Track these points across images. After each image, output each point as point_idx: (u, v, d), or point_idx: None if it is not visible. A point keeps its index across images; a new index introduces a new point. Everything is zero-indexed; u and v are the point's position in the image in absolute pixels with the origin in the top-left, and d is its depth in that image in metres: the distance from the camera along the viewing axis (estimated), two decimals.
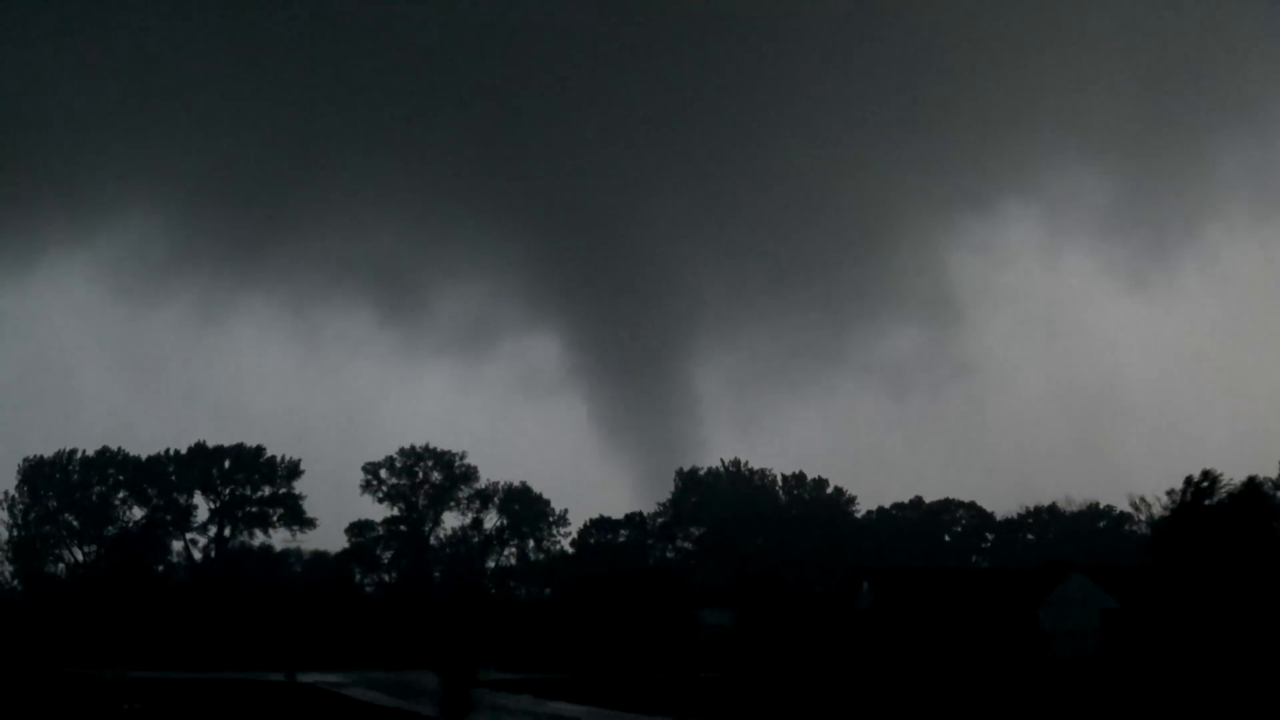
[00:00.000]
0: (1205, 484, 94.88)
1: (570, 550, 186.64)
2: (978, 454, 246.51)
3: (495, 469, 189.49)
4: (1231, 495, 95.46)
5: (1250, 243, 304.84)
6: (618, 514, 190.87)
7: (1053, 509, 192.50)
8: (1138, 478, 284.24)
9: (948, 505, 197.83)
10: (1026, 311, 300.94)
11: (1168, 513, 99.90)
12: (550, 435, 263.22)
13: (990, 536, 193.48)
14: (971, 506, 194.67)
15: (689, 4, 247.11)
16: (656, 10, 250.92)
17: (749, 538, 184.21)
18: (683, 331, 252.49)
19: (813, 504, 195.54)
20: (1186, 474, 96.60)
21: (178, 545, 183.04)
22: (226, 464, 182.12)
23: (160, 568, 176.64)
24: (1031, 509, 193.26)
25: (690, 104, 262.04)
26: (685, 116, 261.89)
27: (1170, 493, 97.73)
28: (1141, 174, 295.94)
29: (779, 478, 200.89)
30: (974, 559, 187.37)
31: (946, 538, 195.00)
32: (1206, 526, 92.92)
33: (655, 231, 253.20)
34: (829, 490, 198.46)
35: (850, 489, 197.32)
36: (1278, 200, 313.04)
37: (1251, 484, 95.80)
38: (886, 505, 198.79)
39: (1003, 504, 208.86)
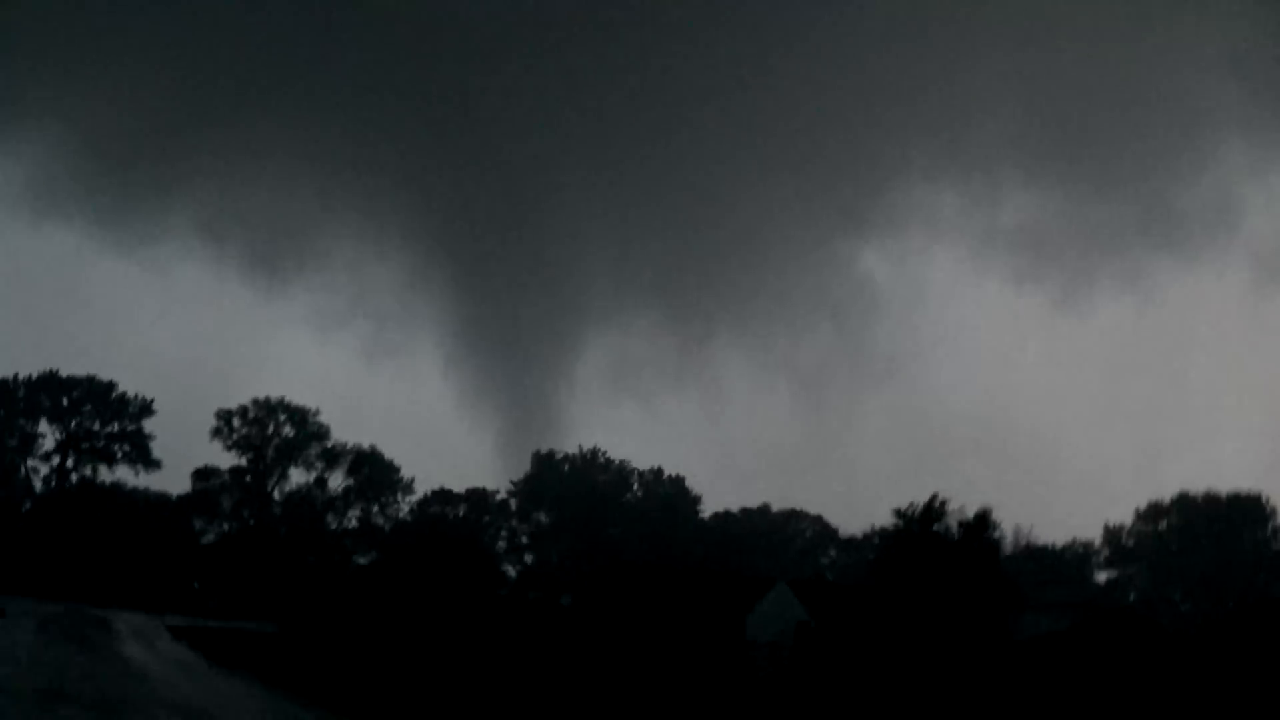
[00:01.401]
0: (936, 508, 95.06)
1: (407, 519, 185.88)
2: (854, 466, 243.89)
3: (351, 431, 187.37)
4: (962, 523, 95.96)
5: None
6: (469, 486, 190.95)
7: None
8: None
9: (794, 515, 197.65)
10: (930, 321, 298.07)
11: (894, 532, 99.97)
12: (413, 403, 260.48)
13: (833, 553, 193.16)
14: (817, 520, 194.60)
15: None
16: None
17: (594, 526, 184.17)
18: (566, 315, 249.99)
19: (665, 501, 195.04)
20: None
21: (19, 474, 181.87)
22: (76, 394, 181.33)
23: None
24: (876, 529, 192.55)
25: (609, 92, 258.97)
26: (602, 102, 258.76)
27: (900, 513, 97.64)
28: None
29: (635, 471, 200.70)
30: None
31: (795, 549, 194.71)
32: (930, 550, 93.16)
33: (552, 209, 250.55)
34: (685, 489, 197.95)
35: (710, 490, 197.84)
36: None
37: (982, 516, 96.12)
38: (734, 509, 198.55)
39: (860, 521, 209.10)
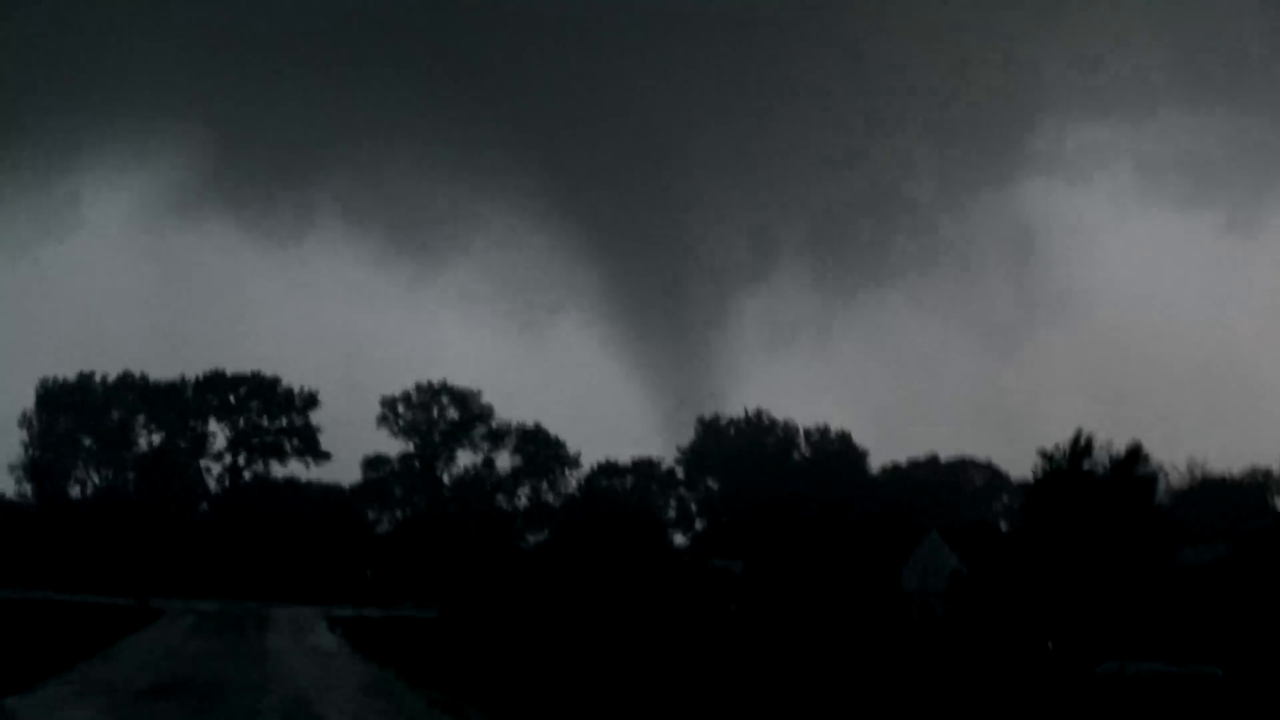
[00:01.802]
0: (1082, 447, 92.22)
1: (577, 495, 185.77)
2: (1027, 409, 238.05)
3: (512, 410, 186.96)
4: (1113, 459, 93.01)
5: None
6: (634, 457, 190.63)
7: None
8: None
9: (964, 464, 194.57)
10: (1097, 254, 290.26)
11: (1042, 475, 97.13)
12: (570, 379, 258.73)
13: (1006, 498, 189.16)
14: (987, 467, 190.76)
15: None
16: None
17: (763, 488, 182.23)
18: (719, 278, 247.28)
19: (834, 458, 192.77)
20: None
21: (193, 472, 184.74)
22: (243, 391, 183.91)
23: (174, 494, 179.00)
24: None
25: (742, 58, 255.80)
26: (737, 68, 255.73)
27: (1045, 454, 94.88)
28: None
29: (800, 430, 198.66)
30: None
31: (964, 499, 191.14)
32: (1079, 489, 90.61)
33: (696, 169, 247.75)
34: (852, 444, 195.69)
35: (881, 442, 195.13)
36: None
37: (1133, 450, 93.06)
38: (902, 461, 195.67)
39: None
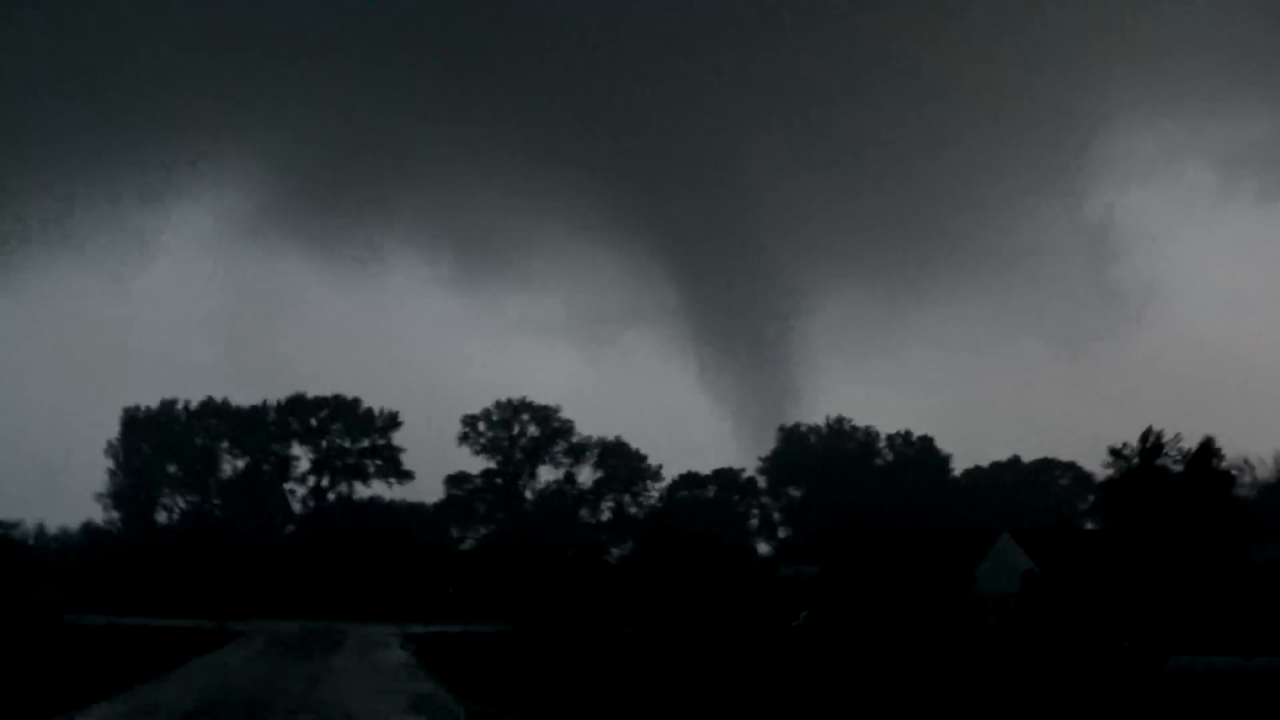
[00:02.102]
0: (1152, 444, 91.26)
1: (658, 505, 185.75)
2: (1110, 408, 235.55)
3: (590, 425, 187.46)
4: (1185, 456, 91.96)
5: None
6: (712, 468, 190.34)
7: None
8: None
9: (1046, 464, 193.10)
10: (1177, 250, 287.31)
11: (1115, 473, 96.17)
12: (646, 385, 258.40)
13: (1091, 498, 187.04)
14: (1071, 467, 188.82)
15: None
16: None
17: (845, 495, 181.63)
18: (789, 278, 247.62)
19: (915, 463, 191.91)
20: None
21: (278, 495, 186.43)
22: (325, 414, 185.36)
23: (259, 517, 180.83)
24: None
25: (802, 57, 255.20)
26: (789, 52, 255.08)
27: (1116, 451, 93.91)
28: None
29: (882, 435, 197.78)
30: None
31: (1050, 501, 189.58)
32: (1152, 486, 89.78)
33: (763, 171, 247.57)
34: (934, 449, 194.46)
35: (963, 444, 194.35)
36: None
37: (1206, 446, 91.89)
38: (985, 464, 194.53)
39: None
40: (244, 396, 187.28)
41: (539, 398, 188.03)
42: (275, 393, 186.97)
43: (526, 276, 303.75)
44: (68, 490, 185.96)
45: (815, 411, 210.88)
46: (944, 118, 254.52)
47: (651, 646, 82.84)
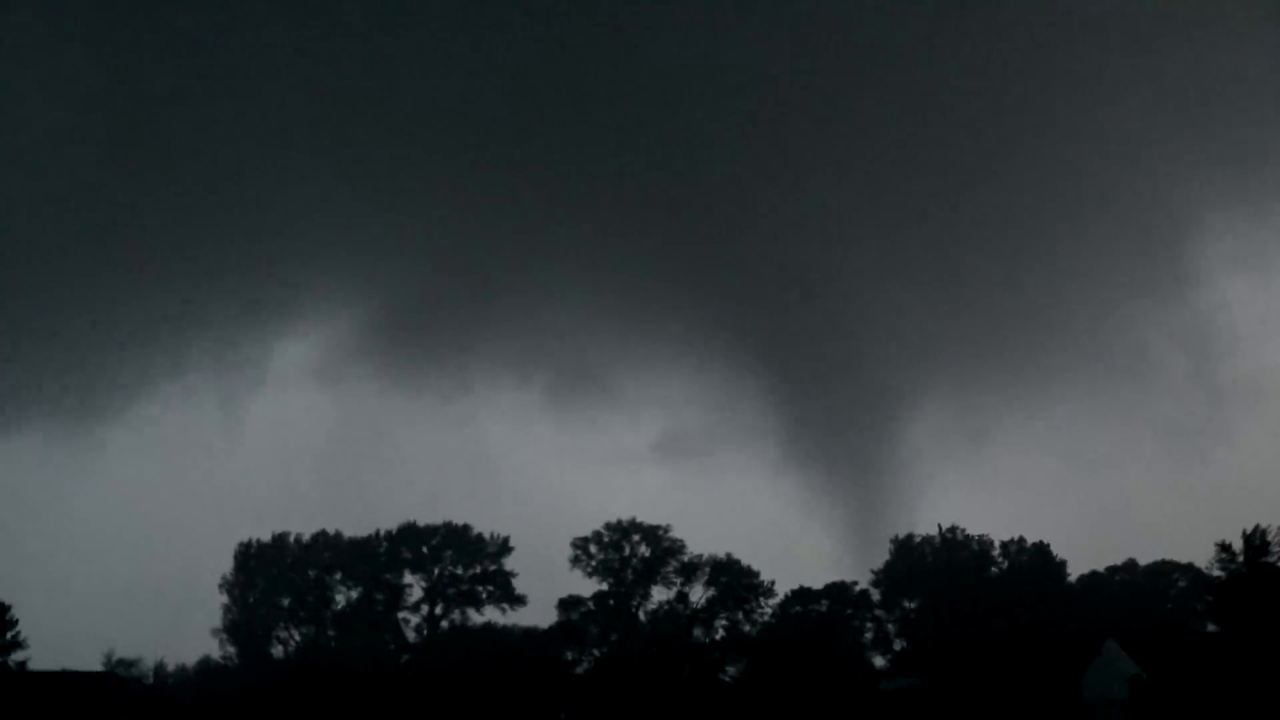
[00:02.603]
0: (1259, 542, 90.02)
1: (772, 622, 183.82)
2: (1227, 504, 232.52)
3: (697, 544, 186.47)
4: None
5: None
6: (819, 582, 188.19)
7: None
8: None
9: (1164, 567, 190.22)
10: None
11: (1222, 573, 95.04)
12: (747, 498, 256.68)
13: (1210, 599, 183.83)
14: (1189, 568, 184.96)
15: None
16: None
17: (960, 606, 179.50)
18: (892, 386, 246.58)
19: (1030, 570, 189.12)
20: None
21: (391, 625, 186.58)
22: (436, 542, 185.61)
23: (373, 648, 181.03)
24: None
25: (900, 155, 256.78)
26: (884, 164, 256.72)
27: (1224, 547, 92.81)
28: None
29: (995, 543, 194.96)
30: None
31: (1168, 604, 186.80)
32: (1262, 584, 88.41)
33: (863, 282, 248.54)
34: (1049, 555, 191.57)
35: (1078, 548, 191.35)
36: None
37: None
38: (1100, 568, 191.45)
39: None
40: (353, 528, 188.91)
41: (643, 518, 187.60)
42: (382, 524, 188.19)
43: (618, 397, 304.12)
44: (187, 626, 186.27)
45: (927, 521, 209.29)
46: (1036, 226, 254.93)
47: None
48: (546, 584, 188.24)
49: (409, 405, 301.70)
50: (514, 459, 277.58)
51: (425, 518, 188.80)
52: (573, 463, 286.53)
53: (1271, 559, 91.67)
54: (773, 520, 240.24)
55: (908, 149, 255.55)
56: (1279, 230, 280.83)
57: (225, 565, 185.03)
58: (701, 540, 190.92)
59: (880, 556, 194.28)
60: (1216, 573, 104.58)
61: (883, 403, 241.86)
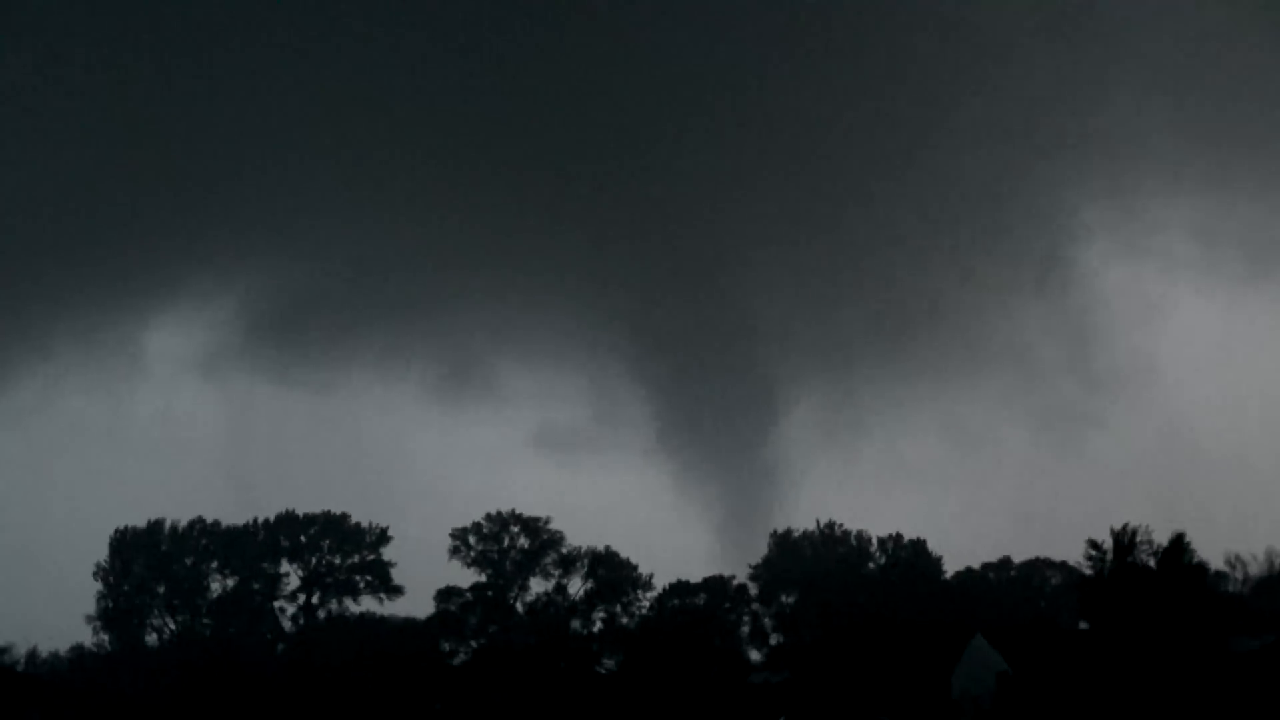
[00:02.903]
0: (1128, 540, 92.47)
1: (649, 615, 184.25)
2: (1102, 501, 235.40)
3: (574, 531, 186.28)
4: (1156, 551, 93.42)
5: None
6: (698, 576, 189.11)
7: None
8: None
9: (1037, 565, 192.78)
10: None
11: (1092, 571, 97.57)
12: (626, 492, 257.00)
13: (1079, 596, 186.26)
14: (1063, 567, 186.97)
15: None
16: None
17: (836, 601, 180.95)
18: (769, 379, 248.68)
19: (908, 566, 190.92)
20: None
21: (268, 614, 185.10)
22: (314, 531, 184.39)
23: (249, 636, 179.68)
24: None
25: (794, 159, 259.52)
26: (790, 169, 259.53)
27: (1093, 546, 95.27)
28: None
29: (874, 539, 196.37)
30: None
31: (1041, 601, 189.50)
32: (1126, 581, 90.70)
33: (749, 278, 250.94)
34: (925, 551, 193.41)
35: (948, 543, 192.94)
36: None
37: (1177, 541, 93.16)
38: (975, 565, 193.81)
39: None
40: (231, 518, 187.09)
41: (523, 510, 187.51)
42: (260, 513, 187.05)
43: (497, 388, 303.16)
44: (66, 614, 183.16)
45: (805, 515, 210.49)
46: (925, 224, 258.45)
47: None
48: (426, 575, 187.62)
49: (288, 397, 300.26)
50: (393, 451, 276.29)
51: (304, 508, 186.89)
52: (452, 455, 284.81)
53: (1139, 557, 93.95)
54: (651, 514, 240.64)
55: (799, 156, 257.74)
56: (1152, 225, 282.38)
57: (100, 553, 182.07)
58: (581, 533, 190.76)
59: (759, 551, 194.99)
60: (1087, 570, 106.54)
61: (762, 396, 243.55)
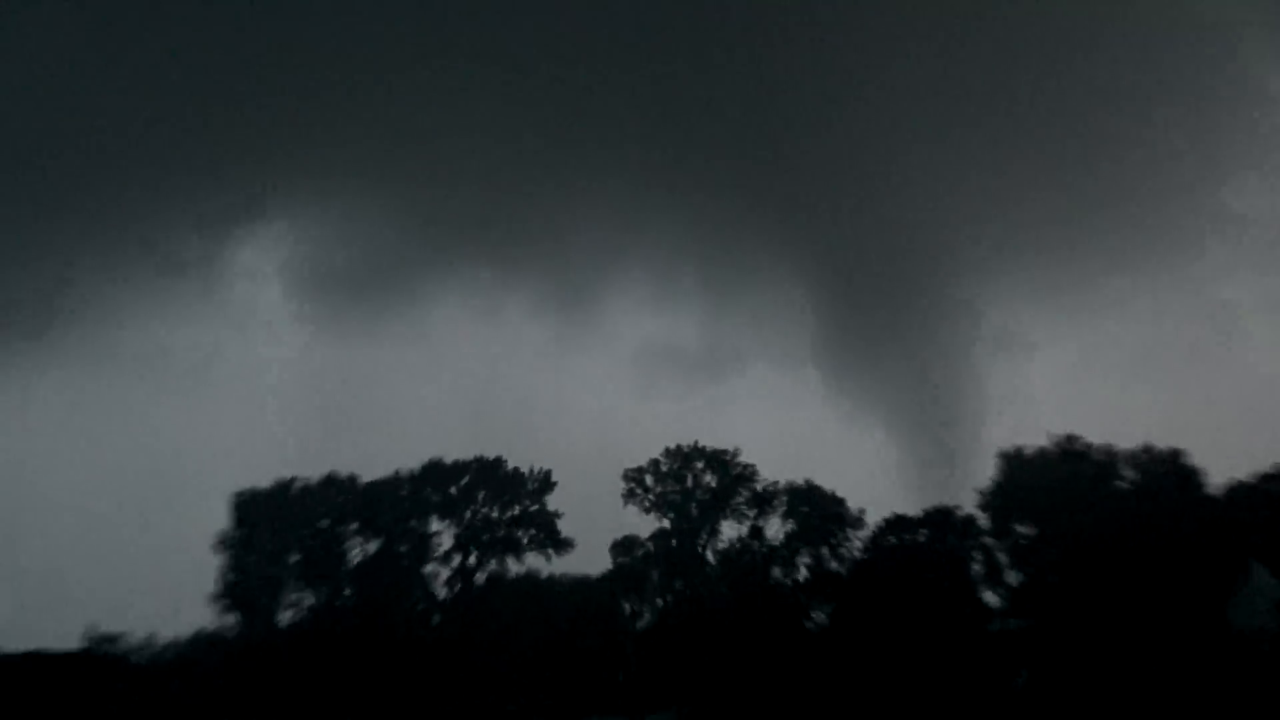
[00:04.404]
0: None
1: (863, 558, 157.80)
2: None
3: (769, 470, 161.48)
4: None
5: None
6: (886, 510, 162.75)
7: None
8: None
9: None
10: None
11: None
12: (795, 425, 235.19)
13: None
14: None
15: None
16: None
17: (1083, 529, 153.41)
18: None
19: (1162, 482, 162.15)
20: None
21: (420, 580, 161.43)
22: (465, 481, 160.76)
23: (397, 608, 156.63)
24: None
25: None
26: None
27: None
28: None
29: (1119, 453, 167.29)
30: None
31: None
32: None
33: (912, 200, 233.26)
34: (1179, 464, 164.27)
35: (1203, 457, 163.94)
36: None
37: None
38: (1247, 477, 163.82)
39: None
40: (368, 472, 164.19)
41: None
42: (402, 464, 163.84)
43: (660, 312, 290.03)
44: (191, 595, 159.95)
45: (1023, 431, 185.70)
46: None
47: None
48: (586, 525, 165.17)
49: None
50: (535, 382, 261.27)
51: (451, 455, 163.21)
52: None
53: None
54: (843, 440, 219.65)
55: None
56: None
57: (222, 523, 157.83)
58: (768, 467, 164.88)
59: (964, 479, 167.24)
60: None
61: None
